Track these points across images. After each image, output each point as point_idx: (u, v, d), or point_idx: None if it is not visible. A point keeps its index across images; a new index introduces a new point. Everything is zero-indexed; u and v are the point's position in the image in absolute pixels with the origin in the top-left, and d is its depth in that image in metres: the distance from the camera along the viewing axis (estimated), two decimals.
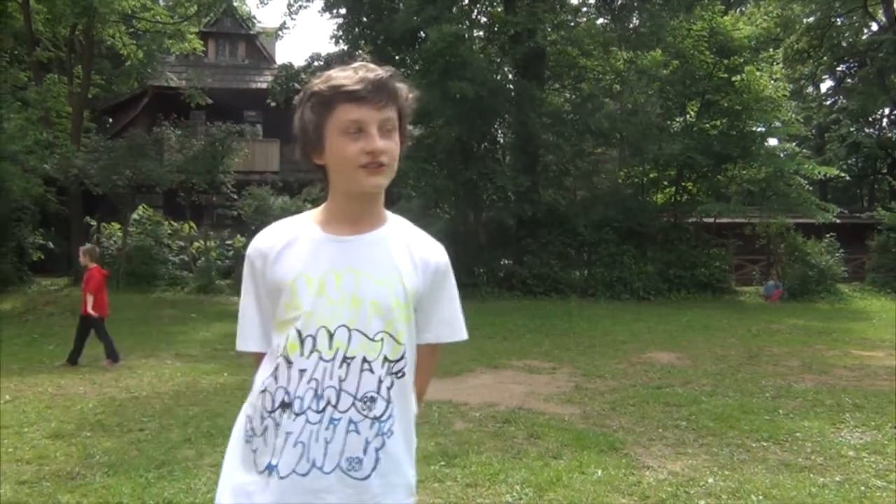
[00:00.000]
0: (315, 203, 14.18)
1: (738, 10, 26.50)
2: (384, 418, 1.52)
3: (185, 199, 19.37)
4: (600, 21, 22.80)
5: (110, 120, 26.46)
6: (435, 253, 1.66)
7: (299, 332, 1.51)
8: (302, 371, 1.51)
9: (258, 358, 1.64)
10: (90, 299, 8.95)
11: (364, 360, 1.51)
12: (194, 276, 18.82)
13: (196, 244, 20.14)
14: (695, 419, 6.22)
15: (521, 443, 5.48)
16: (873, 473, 4.78)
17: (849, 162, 33.89)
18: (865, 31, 32.08)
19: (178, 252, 19.96)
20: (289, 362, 1.51)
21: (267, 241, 1.61)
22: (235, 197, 19.39)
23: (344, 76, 1.52)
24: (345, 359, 1.51)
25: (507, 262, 19.55)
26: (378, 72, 1.53)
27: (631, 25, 21.41)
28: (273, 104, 20.53)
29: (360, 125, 1.49)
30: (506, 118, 20.01)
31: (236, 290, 19.04)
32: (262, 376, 1.57)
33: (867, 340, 11.72)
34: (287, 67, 21.09)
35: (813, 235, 20.38)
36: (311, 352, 1.51)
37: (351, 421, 1.49)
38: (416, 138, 20.29)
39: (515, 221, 19.71)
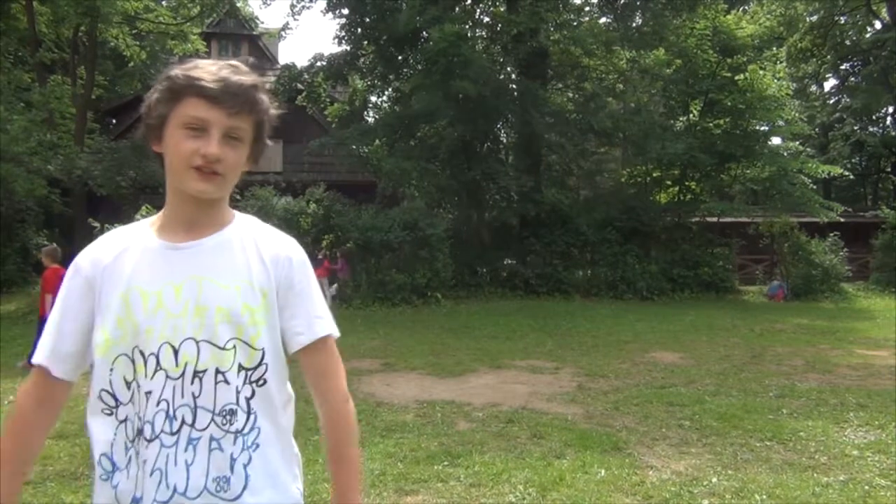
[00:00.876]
0: (318, 203, 14.12)
1: (741, 8, 26.45)
2: (247, 431, 1.40)
3: None
4: (603, 20, 22.77)
5: (114, 121, 26.45)
6: (286, 248, 1.51)
7: (141, 352, 1.38)
8: (148, 393, 1.37)
9: (42, 377, 1.46)
10: (49, 300, 9.00)
11: (217, 371, 1.38)
12: None
13: None
14: (698, 419, 6.21)
15: (524, 443, 5.48)
16: (877, 473, 4.77)
17: (852, 161, 33.85)
18: (869, 29, 32.04)
19: None
20: (137, 385, 1.38)
21: (99, 251, 1.47)
22: (239, 197, 19.41)
23: (206, 70, 1.40)
24: (195, 373, 1.37)
25: (510, 261, 19.54)
26: (242, 77, 1.41)
27: (634, 25, 21.38)
28: (276, 100, 20.49)
29: (203, 124, 1.38)
30: (509, 118, 20.01)
31: None
32: (103, 409, 1.42)
33: (871, 340, 11.69)
34: (290, 68, 21.09)
35: (817, 234, 20.33)
36: (156, 371, 1.37)
37: (212, 438, 1.37)
38: (419, 138, 20.33)
39: (518, 221, 19.71)
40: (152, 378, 1.38)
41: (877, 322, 14.18)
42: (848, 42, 32.48)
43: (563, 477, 4.57)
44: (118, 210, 19.71)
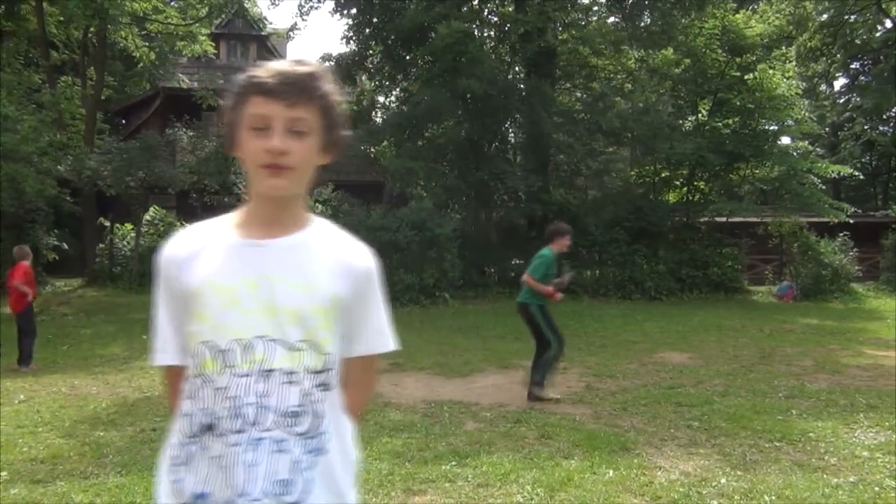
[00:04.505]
0: (326, 203, 14.18)
1: (750, 7, 26.33)
2: (312, 435, 1.40)
3: (197, 200, 19.46)
4: (611, 20, 22.74)
5: (123, 121, 26.61)
6: (360, 257, 1.52)
7: (211, 347, 1.39)
8: (218, 389, 1.38)
9: (173, 373, 1.51)
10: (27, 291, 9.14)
11: (285, 372, 1.38)
12: None
13: None
14: (707, 419, 6.19)
15: (532, 443, 5.48)
16: (887, 474, 4.74)
17: (863, 160, 33.63)
18: (879, 28, 31.78)
19: None
20: (205, 381, 1.39)
21: (178, 247, 1.49)
22: (247, 198, 19.45)
23: (265, 68, 1.41)
24: (263, 372, 1.37)
25: (517, 261, 19.51)
26: (300, 67, 1.41)
27: (642, 24, 21.32)
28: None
29: (265, 121, 1.38)
30: (517, 118, 19.99)
31: None
32: (182, 399, 1.46)
33: (881, 340, 11.63)
34: None
35: (826, 234, 20.23)
36: (225, 367, 1.38)
37: (276, 440, 1.36)
38: (426, 138, 20.32)
39: (526, 221, 19.69)
40: (222, 373, 1.39)
41: (887, 322, 14.10)
42: (858, 41, 32.26)
43: (571, 477, 4.57)
44: (127, 210, 19.84)
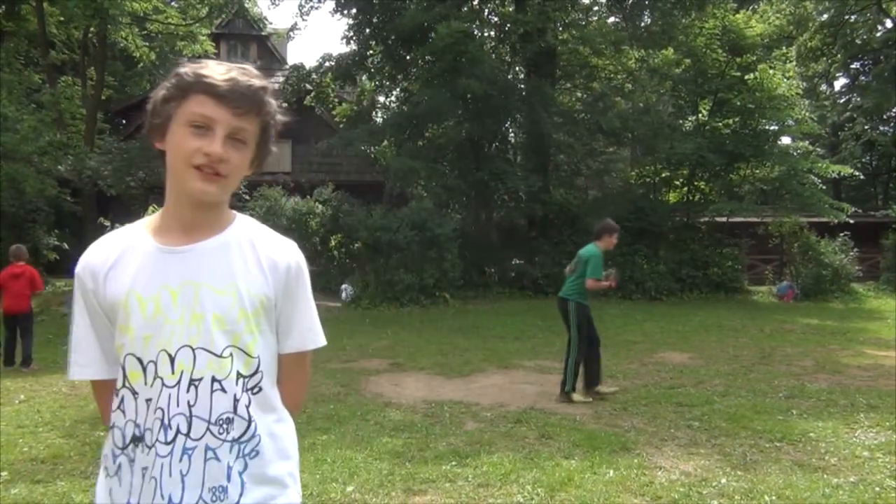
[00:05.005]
0: (326, 203, 14.16)
1: (750, 7, 26.32)
2: (245, 439, 1.39)
3: None
4: (611, 20, 22.74)
5: (123, 121, 26.59)
6: (285, 253, 1.49)
7: (139, 359, 1.38)
8: (148, 400, 1.37)
9: (100, 386, 1.50)
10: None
11: (213, 379, 1.37)
12: None
13: None
14: (707, 419, 6.19)
15: (532, 443, 5.48)
16: (888, 474, 4.74)
17: (863, 160, 33.61)
18: (879, 28, 31.77)
19: None
20: (134, 392, 1.39)
21: (96, 257, 1.46)
22: (247, 197, 19.47)
23: (215, 70, 1.39)
24: (191, 381, 1.36)
25: (518, 261, 19.53)
26: (252, 79, 1.40)
27: (642, 24, 21.33)
28: (284, 105, 20.56)
29: (208, 123, 1.35)
30: (517, 118, 19.99)
31: None
32: (111, 411, 1.44)
33: (881, 340, 11.63)
34: (298, 68, 21.14)
35: (826, 234, 20.22)
36: (155, 378, 1.37)
37: (208, 448, 1.36)
38: (427, 138, 20.32)
39: (527, 221, 19.69)
40: (151, 385, 1.37)
41: (887, 322, 14.09)
42: (858, 41, 32.24)
43: (571, 477, 4.57)
44: (128, 210, 19.82)
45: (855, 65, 34.81)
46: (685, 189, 20.85)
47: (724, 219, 20.92)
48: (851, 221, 19.64)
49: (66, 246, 19.60)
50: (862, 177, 28.11)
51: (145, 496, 1.36)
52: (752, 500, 4.26)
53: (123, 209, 19.95)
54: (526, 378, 8.29)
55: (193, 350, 1.37)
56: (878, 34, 31.58)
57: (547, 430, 5.80)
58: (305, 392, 1.63)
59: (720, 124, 20.01)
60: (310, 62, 26.74)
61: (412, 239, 16.17)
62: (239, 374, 1.39)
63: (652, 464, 4.94)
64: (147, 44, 22.37)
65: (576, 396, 6.93)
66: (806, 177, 19.57)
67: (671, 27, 19.75)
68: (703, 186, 20.80)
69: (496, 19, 21.73)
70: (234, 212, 1.52)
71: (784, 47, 21.73)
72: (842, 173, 20.86)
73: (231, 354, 1.39)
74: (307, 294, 1.54)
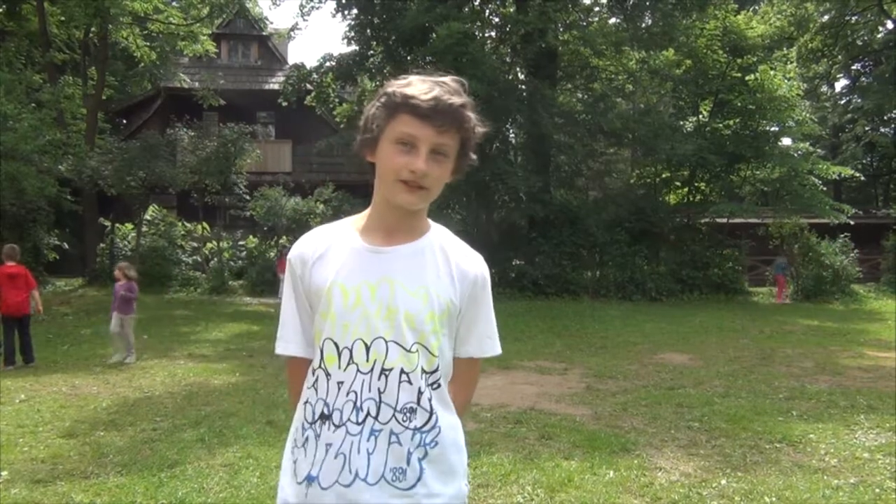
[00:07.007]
0: (326, 203, 14.18)
1: (751, 8, 26.34)
2: (426, 429, 1.53)
3: (198, 199, 19.47)
4: (612, 20, 22.74)
5: (124, 121, 26.61)
6: (474, 264, 1.63)
7: (336, 344, 1.53)
8: (340, 383, 1.52)
9: (294, 363, 1.66)
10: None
11: (402, 371, 1.51)
12: (207, 276, 18.93)
13: (209, 245, 20.26)
14: (707, 420, 6.19)
15: (532, 443, 5.48)
16: (888, 475, 4.74)
17: (864, 162, 33.61)
18: (880, 29, 31.78)
19: (191, 253, 20.10)
20: (327, 374, 1.53)
21: (307, 247, 1.62)
22: (248, 198, 19.48)
23: (419, 89, 1.49)
24: (383, 370, 1.51)
25: (518, 262, 19.53)
26: (453, 97, 1.50)
27: (643, 25, 21.33)
28: (285, 105, 20.61)
29: (413, 140, 1.48)
30: (517, 118, 19.99)
31: (249, 290, 19.00)
32: (304, 388, 1.60)
33: (882, 341, 11.63)
34: (299, 68, 21.14)
35: (827, 236, 20.23)
36: (349, 364, 1.52)
37: (392, 432, 1.50)
38: None
39: (527, 222, 19.69)
40: (345, 370, 1.52)
41: (888, 324, 14.10)
42: (859, 42, 32.24)
43: (571, 478, 4.57)
44: (128, 210, 19.85)
45: (856, 66, 34.79)
46: (686, 190, 20.86)
47: (724, 220, 20.92)
48: (852, 223, 19.64)
49: (66, 246, 19.62)
50: (863, 178, 28.09)
51: (327, 469, 1.50)
52: (752, 502, 4.25)
53: (124, 209, 19.99)
54: (526, 379, 8.28)
55: (387, 342, 1.51)
56: (879, 35, 31.61)
57: (547, 431, 5.79)
58: (473, 394, 1.78)
59: (721, 125, 20.02)
60: (310, 62, 26.79)
61: None
62: (423, 370, 1.53)
63: (652, 465, 4.93)
64: (148, 44, 22.37)
65: None
66: (806, 178, 19.57)
67: (672, 28, 19.74)
68: (703, 187, 20.81)
69: (497, 20, 21.74)
70: (431, 220, 1.66)
71: (785, 48, 21.77)
72: (842, 175, 20.85)
73: (418, 350, 1.53)
74: (489, 304, 1.67)
